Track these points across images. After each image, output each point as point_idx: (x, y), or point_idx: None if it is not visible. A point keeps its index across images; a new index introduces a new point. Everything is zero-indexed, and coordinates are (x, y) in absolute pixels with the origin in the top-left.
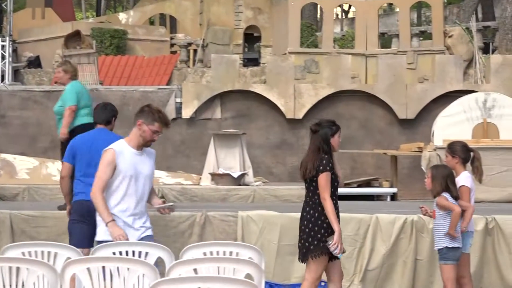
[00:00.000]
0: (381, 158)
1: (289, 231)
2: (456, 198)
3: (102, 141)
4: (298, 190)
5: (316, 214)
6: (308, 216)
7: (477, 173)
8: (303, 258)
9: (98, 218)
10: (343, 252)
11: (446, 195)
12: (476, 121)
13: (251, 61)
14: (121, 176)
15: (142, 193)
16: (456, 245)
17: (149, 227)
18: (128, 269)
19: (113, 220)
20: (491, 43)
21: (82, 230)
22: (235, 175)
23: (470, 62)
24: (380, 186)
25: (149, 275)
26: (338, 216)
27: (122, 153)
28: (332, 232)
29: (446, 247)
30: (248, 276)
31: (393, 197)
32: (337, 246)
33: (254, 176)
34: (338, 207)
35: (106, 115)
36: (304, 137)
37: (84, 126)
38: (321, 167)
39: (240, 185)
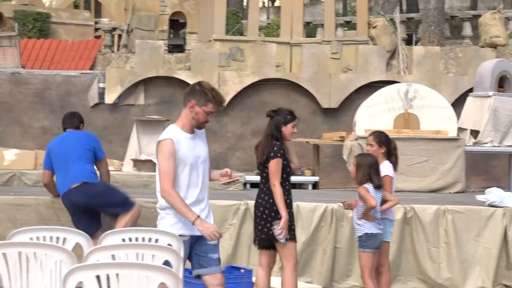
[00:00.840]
0: (303, 146)
1: None
2: (378, 187)
3: (72, 138)
4: None
5: (271, 200)
6: (264, 202)
7: (396, 162)
8: (260, 243)
9: (163, 212)
10: (286, 239)
11: (368, 185)
12: (398, 111)
13: (176, 48)
14: (182, 165)
15: (203, 178)
16: (375, 231)
17: (210, 214)
18: (45, 254)
19: (199, 216)
20: (414, 35)
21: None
22: None
23: (393, 53)
24: (302, 174)
25: (66, 261)
26: (291, 202)
27: (180, 141)
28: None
29: (366, 233)
30: (167, 262)
31: (315, 185)
32: (282, 231)
33: None
34: (291, 193)
35: (75, 121)
36: (227, 125)
37: None
38: (271, 154)
39: None
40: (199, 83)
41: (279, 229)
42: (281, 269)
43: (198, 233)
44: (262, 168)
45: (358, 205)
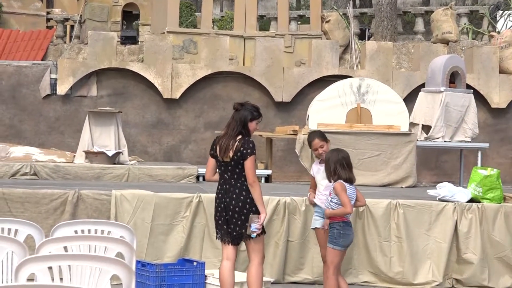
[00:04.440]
0: (256, 140)
1: (163, 210)
2: (348, 180)
3: None
4: (173, 170)
5: (251, 195)
6: (244, 198)
7: None
8: (235, 239)
9: None
10: (258, 234)
11: (345, 183)
12: (350, 106)
13: (129, 39)
14: None
15: None
16: (348, 231)
17: None
18: None
19: None
20: (367, 30)
21: None
22: (110, 153)
23: (346, 48)
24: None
25: (18, 253)
26: None
27: None
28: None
29: (339, 232)
30: (119, 254)
31: (268, 179)
32: (260, 228)
33: (129, 155)
34: None
35: None
36: (180, 117)
37: None
38: (248, 150)
39: (114, 163)
40: None
41: (259, 224)
42: (248, 262)
43: None
44: (235, 164)
45: (333, 201)
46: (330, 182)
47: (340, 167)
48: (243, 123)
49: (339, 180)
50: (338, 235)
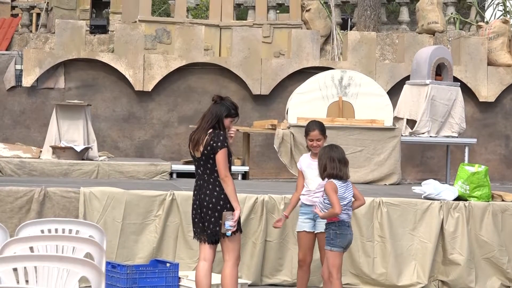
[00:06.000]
0: None
1: (134, 209)
2: (336, 176)
3: None
4: (145, 166)
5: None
6: (215, 193)
7: None
8: (211, 238)
9: None
10: (233, 232)
11: (336, 181)
12: (332, 99)
13: (99, 28)
14: None
15: None
16: (344, 231)
17: None
18: None
19: None
20: (349, 19)
21: None
22: (78, 148)
23: (327, 38)
24: (231, 164)
25: None
26: None
27: None
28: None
29: (335, 232)
30: (88, 255)
31: (245, 175)
32: (234, 225)
33: (99, 151)
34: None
35: None
36: (153, 111)
37: None
38: (219, 143)
39: (83, 159)
40: None
41: (234, 221)
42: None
43: None
44: (206, 159)
45: (326, 200)
46: (323, 179)
47: (329, 162)
48: (217, 118)
49: (330, 180)
50: (335, 236)
